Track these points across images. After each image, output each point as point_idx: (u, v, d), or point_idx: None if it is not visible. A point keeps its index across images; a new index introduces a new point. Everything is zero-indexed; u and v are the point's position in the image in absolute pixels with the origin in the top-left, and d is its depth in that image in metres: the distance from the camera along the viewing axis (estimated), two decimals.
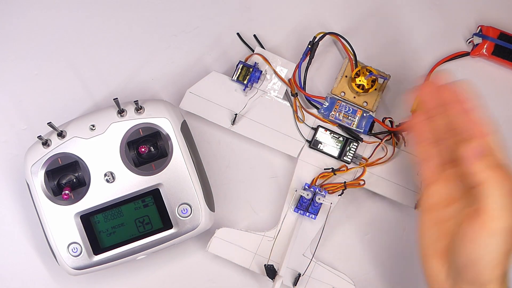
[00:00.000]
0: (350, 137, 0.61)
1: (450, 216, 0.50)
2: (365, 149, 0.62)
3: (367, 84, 0.61)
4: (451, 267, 0.48)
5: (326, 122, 0.62)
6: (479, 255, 0.45)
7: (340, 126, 0.62)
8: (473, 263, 0.45)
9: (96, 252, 0.56)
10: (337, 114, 0.61)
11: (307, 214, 0.60)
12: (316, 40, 0.61)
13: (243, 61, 0.61)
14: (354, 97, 0.61)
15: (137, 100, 0.56)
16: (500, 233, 0.44)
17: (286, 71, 0.62)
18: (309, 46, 0.61)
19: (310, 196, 0.59)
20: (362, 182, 0.60)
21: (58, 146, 0.56)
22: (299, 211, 0.60)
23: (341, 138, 0.61)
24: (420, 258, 0.51)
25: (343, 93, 0.62)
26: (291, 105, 0.62)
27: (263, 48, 0.63)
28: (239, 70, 0.61)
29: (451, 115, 0.50)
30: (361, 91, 0.60)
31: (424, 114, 0.53)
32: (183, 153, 0.57)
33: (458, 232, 0.47)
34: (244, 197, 0.63)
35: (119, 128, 0.56)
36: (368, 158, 0.61)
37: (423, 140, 0.52)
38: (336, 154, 0.61)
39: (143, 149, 0.56)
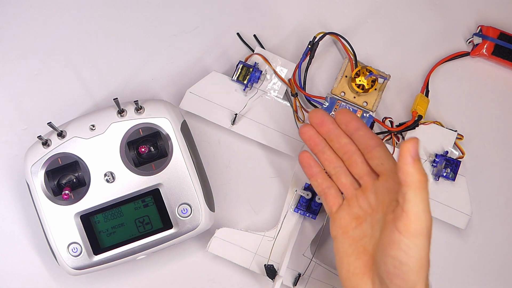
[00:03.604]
0: None
1: (362, 234, 0.51)
2: None
3: (367, 84, 0.61)
4: (375, 281, 0.49)
5: None
6: (404, 257, 0.46)
7: None
8: (399, 267, 0.46)
9: (96, 252, 0.56)
10: None
11: (307, 214, 0.60)
12: (316, 40, 0.61)
13: (243, 61, 0.61)
14: (354, 97, 0.61)
15: (137, 100, 0.56)
16: (422, 234, 0.46)
17: (286, 71, 0.62)
18: (309, 46, 0.61)
19: (310, 196, 0.59)
20: None
21: (58, 146, 0.56)
22: (299, 211, 0.60)
23: None
24: (343, 283, 0.52)
25: (343, 93, 0.62)
26: (291, 105, 0.62)
27: (263, 48, 0.63)
28: (239, 70, 0.61)
29: (339, 141, 0.53)
30: (361, 91, 0.60)
31: (312, 150, 0.55)
32: (183, 153, 0.57)
33: (380, 241, 0.49)
34: (244, 197, 0.63)
35: (119, 128, 0.56)
36: None
37: (316, 173, 0.55)
38: None
39: (143, 149, 0.56)
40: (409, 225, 0.46)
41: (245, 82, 0.61)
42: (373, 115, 0.61)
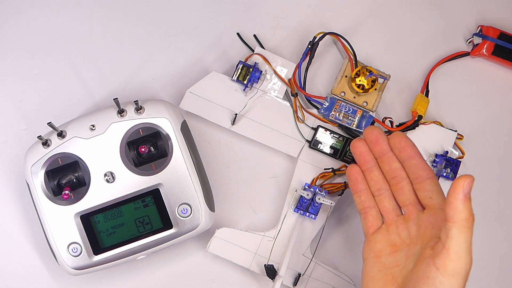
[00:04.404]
0: (350, 137, 0.61)
1: (395, 262, 0.51)
2: None
3: (367, 84, 0.61)
4: None
5: (326, 122, 0.62)
6: None
7: (340, 126, 0.62)
8: None
9: (96, 252, 0.56)
10: (337, 114, 0.61)
11: (307, 214, 0.60)
12: (316, 40, 0.61)
13: (243, 61, 0.61)
14: (354, 97, 0.61)
15: (137, 100, 0.56)
16: (460, 274, 0.45)
17: (286, 71, 0.62)
18: (309, 46, 0.61)
19: (310, 196, 0.59)
20: None
21: (58, 146, 0.56)
22: (299, 211, 0.60)
23: (341, 138, 0.61)
24: None
25: (343, 93, 0.62)
26: (291, 105, 0.62)
27: (263, 48, 0.63)
28: (239, 70, 0.61)
29: (390, 164, 0.52)
30: (361, 91, 0.60)
31: (360, 166, 0.54)
32: (183, 153, 0.57)
33: (413, 274, 0.48)
34: (244, 197, 0.63)
35: (119, 128, 0.56)
36: None
37: (361, 190, 0.54)
38: (336, 154, 0.61)
39: (143, 149, 0.56)
40: (448, 263, 0.45)
41: (245, 82, 0.61)
42: (373, 115, 0.61)
